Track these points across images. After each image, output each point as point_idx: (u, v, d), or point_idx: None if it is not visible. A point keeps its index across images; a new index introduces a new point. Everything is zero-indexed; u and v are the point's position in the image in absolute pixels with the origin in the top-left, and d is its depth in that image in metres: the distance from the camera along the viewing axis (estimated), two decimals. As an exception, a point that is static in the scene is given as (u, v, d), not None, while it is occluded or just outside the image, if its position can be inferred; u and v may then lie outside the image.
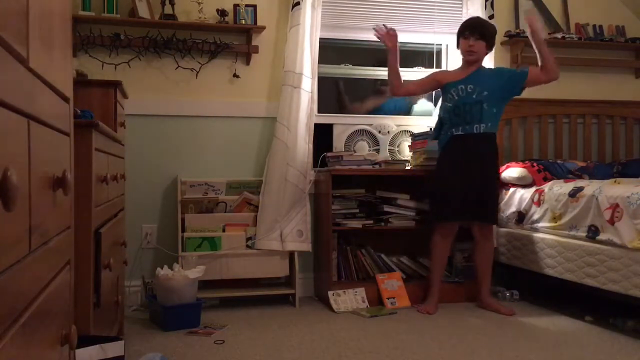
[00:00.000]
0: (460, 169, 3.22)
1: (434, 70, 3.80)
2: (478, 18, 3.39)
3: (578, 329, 2.92)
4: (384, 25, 3.28)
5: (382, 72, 4.07)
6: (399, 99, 4.04)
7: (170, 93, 3.53)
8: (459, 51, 3.34)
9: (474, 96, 3.21)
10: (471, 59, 3.27)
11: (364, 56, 4.08)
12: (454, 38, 3.47)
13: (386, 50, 3.31)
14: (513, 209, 3.61)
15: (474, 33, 3.23)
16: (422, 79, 3.44)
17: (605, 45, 4.20)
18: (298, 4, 3.51)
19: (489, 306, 3.27)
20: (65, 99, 1.14)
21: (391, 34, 3.26)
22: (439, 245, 3.32)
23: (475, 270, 3.41)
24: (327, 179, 3.42)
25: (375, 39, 3.31)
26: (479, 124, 3.20)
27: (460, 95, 3.25)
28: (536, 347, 2.60)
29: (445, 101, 3.32)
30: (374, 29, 3.28)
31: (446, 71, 3.47)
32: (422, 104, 4.09)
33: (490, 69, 3.41)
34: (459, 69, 3.38)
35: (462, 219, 3.28)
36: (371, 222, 3.50)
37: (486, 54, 3.33)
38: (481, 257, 3.36)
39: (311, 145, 3.55)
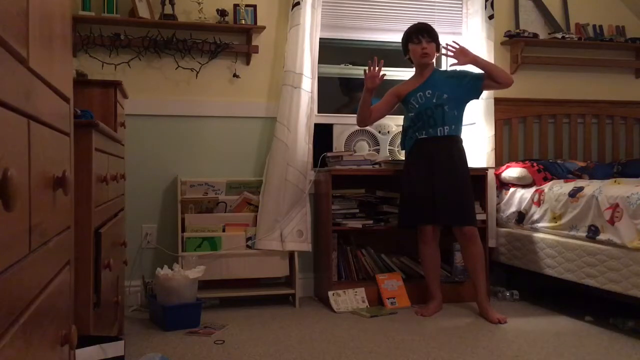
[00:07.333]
0: (426, 172, 3.18)
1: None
2: (422, 23, 3.34)
3: (578, 329, 2.92)
4: (376, 61, 3.21)
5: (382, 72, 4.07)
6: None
7: (170, 93, 3.53)
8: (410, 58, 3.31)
9: (434, 100, 3.19)
10: (426, 61, 3.25)
11: (364, 56, 4.07)
12: (454, 38, 3.47)
13: (364, 87, 3.23)
14: (513, 209, 3.61)
15: (424, 36, 3.22)
16: (383, 99, 3.39)
17: (605, 45, 4.19)
18: (298, 4, 3.51)
19: (482, 311, 3.14)
20: (65, 99, 1.14)
21: (375, 76, 3.19)
22: (423, 252, 3.28)
23: (469, 275, 3.33)
24: (327, 179, 3.42)
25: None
26: (442, 126, 3.18)
27: (420, 102, 3.23)
28: (536, 347, 2.60)
29: (408, 112, 3.31)
30: (369, 61, 3.21)
31: (402, 84, 3.39)
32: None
33: (445, 71, 3.35)
34: (413, 77, 3.35)
35: (430, 222, 3.20)
36: (371, 222, 3.50)
37: (435, 56, 3.31)
38: (468, 261, 3.24)
39: (311, 145, 3.56)
